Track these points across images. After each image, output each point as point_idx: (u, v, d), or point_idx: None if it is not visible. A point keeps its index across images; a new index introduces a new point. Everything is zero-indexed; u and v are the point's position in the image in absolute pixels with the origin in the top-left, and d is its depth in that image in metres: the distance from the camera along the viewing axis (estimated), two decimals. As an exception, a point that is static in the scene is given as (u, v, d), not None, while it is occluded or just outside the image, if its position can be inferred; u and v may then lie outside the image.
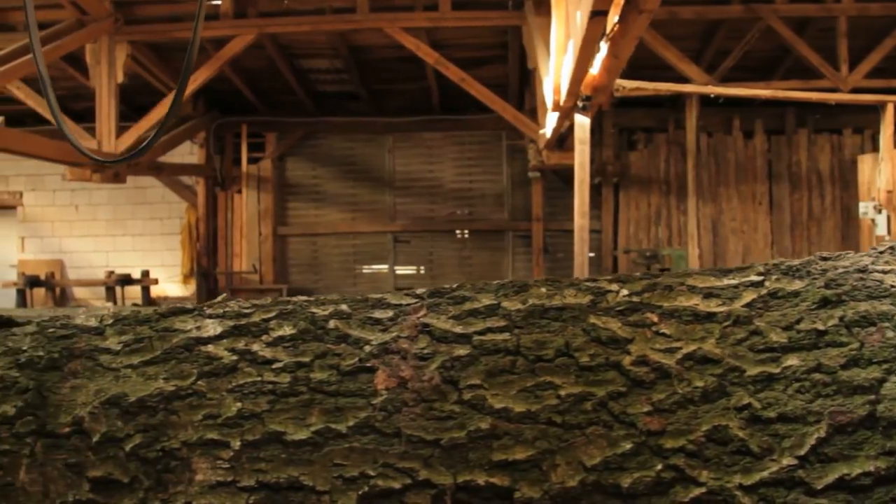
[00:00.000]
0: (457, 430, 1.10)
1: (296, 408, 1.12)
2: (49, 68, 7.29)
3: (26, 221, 10.35)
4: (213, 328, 1.20)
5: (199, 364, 1.16)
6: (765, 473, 1.08)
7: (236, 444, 1.11)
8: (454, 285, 1.25)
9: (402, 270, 10.05)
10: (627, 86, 5.37)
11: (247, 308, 1.23)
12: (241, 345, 1.17)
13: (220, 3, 7.56)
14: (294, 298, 1.24)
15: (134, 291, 9.69)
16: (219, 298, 1.27)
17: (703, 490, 1.09)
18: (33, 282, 9.57)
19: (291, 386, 1.13)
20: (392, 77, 9.05)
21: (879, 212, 6.04)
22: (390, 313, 1.19)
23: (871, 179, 6.41)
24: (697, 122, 8.92)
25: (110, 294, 9.60)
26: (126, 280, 9.47)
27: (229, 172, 10.09)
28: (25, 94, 7.88)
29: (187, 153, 9.80)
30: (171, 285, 10.07)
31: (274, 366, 1.15)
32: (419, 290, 1.23)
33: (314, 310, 1.21)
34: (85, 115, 8.43)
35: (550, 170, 9.02)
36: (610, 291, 1.21)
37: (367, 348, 1.15)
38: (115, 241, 10.23)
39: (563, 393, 1.11)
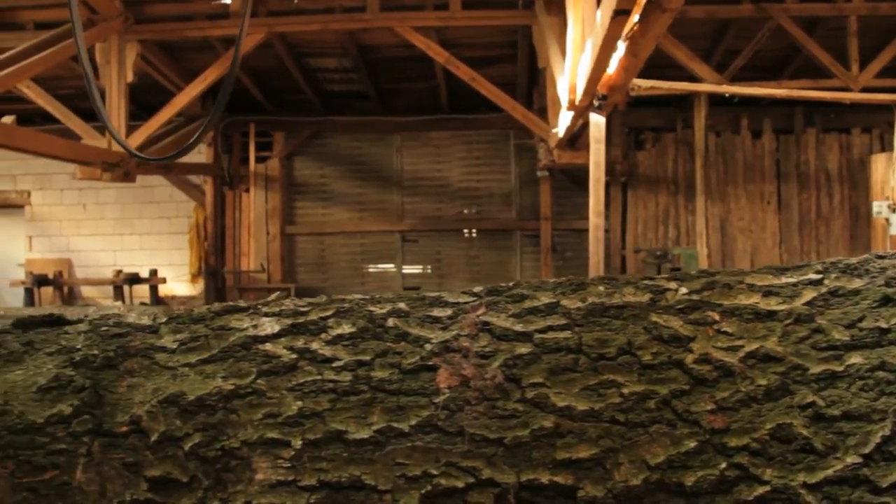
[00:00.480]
0: (520, 428, 1.10)
1: (357, 406, 1.12)
2: (57, 67, 7.30)
3: (34, 220, 10.34)
4: (270, 326, 1.19)
5: (258, 362, 1.16)
6: (829, 471, 1.08)
7: (297, 443, 1.11)
8: (510, 283, 1.24)
9: (409, 270, 10.04)
10: (643, 85, 5.36)
11: (303, 306, 1.22)
12: (299, 343, 1.17)
13: (229, 1, 7.54)
14: (349, 296, 1.24)
15: (142, 290, 9.68)
16: (272, 297, 1.27)
17: (768, 488, 1.08)
18: (41, 281, 9.57)
19: (352, 384, 1.12)
20: (400, 76, 9.04)
21: (894, 211, 6.02)
22: (449, 311, 1.19)
23: (885, 178, 6.39)
24: (706, 122, 8.92)
25: (118, 293, 9.59)
26: (134, 279, 9.47)
27: (237, 171, 10.08)
28: (35, 94, 7.86)
29: (195, 152, 9.76)
30: (179, 284, 10.06)
31: (334, 364, 1.14)
32: (476, 289, 1.22)
33: (372, 308, 1.20)
34: (93, 115, 8.40)
35: (559, 169, 9.01)
36: (668, 290, 1.20)
37: (428, 346, 1.14)
38: (123, 240, 10.22)
39: (626, 391, 1.11)
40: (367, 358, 1.14)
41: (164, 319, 1.25)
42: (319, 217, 10.07)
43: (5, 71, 6.17)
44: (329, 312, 1.20)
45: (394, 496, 1.10)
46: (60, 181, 10.21)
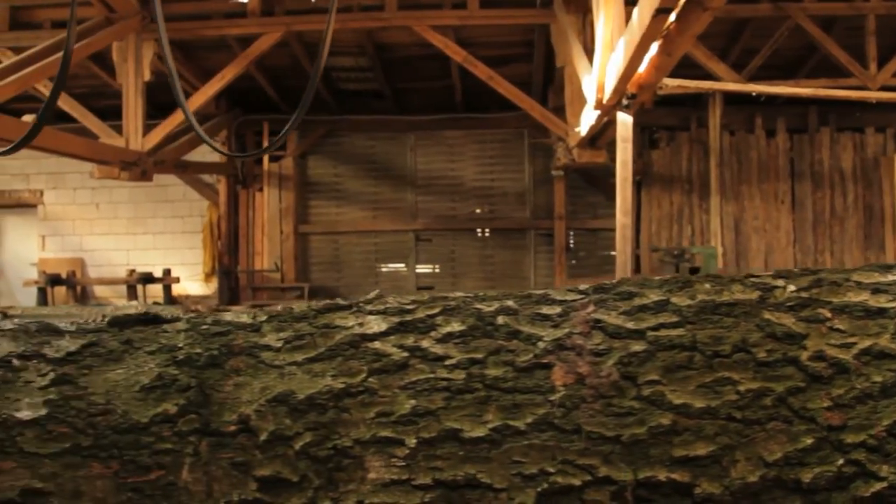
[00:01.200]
0: (637, 425, 1.09)
1: (472, 405, 1.11)
2: (73, 66, 7.29)
3: (47, 220, 10.34)
4: (377, 324, 1.19)
5: (368, 361, 1.15)
6: (947, 469, 1.08)
7: (412, 441, 1.10)
8: (614, 281, 1.23)
9: (423, 269, 10.04)
10: (670, 84, 5.35)
11: (408, 304, 1.22)
12: (409, 341, 1.16)
13: (247, 0, 7.54)
14: (454, 294, 1.23)
15: (155, 290, 9.69)
16: (372, 294, 1.26)
17: (885, 485, 1.08)
18: (55, 280, 9.57)
19: (466, 383, 1.12)
20: (416, 75, 9.03)
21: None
22: (558, 309, 1.18)
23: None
24: (721, 121, 8.92)
25: (132, 292, 9.60)
26: (148, 278, 9.48)
27: (250, 170, 10.08)
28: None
29: (208, 151, 9.77)
30: (193, 283, 10.06)
31: (446, 362, 1.14)
32: (581, 286, 1.22)
33: (479, 306, 1.20)
34: (107, 113, 8.41)
35: (574, 168, 9.00)
36: (776, 287, 1.20)
37: (541, 344, 1.14)
38: (136, 240, 10.22)
39: (742, 388, 1.10)
40: (480, 356, 1.13)
41: (264, 318, 1.25)
42: (333, 216, 10.06)
43: (25, 70, 6.17)
44: (436, 310, 1.20)
45: (509, 494, 1.09)
46: (73, 180, 10.21)
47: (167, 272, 9.52)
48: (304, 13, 7.57)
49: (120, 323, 1.29)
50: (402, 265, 10.04)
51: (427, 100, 9.66)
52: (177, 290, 9.76)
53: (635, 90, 4.41)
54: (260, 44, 7.57)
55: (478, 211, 9.97)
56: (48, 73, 6.45)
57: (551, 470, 1.09)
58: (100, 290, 10.24)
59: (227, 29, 7.66)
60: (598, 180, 9.66)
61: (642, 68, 4.10)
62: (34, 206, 10.36)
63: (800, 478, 1.08)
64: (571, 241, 9.74)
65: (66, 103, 7.76)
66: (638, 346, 1.13)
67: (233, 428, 1.15)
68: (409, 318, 1.19)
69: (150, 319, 1.29)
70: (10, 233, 10.51)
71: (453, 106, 9.77)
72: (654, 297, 1.18)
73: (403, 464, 1.10)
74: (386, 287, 9.93)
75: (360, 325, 1.19)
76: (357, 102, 9.92)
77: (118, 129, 7.55)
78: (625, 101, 4.48)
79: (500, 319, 1.17)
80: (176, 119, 7.69)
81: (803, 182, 9.46)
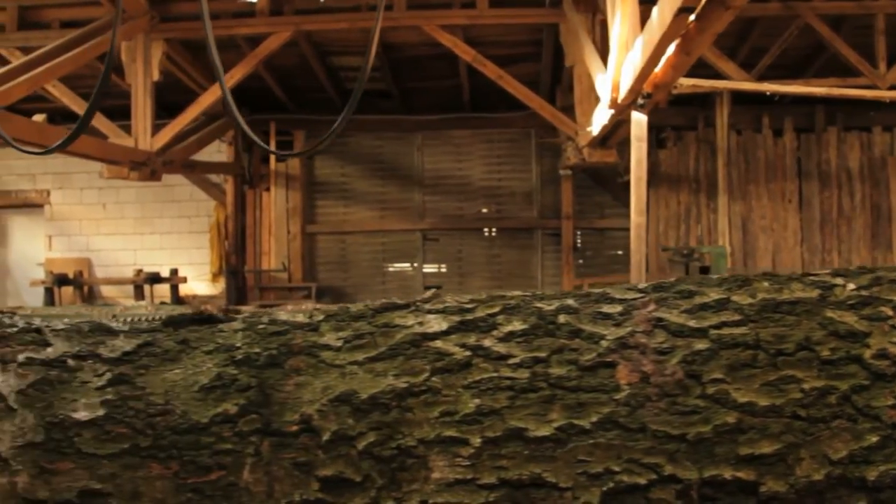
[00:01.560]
0: (702, 424, 1.09)
1: (536, 404, 1.11)
2: (80, 66, 7.28)
3: (53, 220, 10.34)
4: (437, 324, 1.19)
5: (430, 360, 1.15)
6: None
7: (476, 440, 1.10)
8: (672, 279, 1.23)
9: (430, 268, 10.04)
10: (685, 83, 5.35)
11: (467, 303, 1.22)
12: (471, 340, 1.16)
13: (255, 0, 7.53)
14: (510, 293, 1.23)
15: (162, 290, 9.68)
16: (428, 293, 1.26)
17: (950, 484, 1.08)
18: (62, 280, 9.57)
19: (530, 382, 1.12)
20: (423, 75, 9.03)
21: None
22: (618, 308, 1.18)
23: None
24: (728, 120, 8.92)
25: (139, 292, 9.60)
26: (155, 278, 9.48)
27: (257, 170, 10.08)
28: (61, 92, 7.87)
29: (215, 151, 9.79)
30: (200, 283, 10.06)
31: (510, 361, 1.14)
32: (640, 285, 1.22)
33: (539, 305, 1.20)
34: (113, 113, 8.39)
35: (582, 168, 9.01)
36: (836, 285, 1.20)
37: (604, 343, 1.14)
38: (143, 240, 10.22)
39: (806, 386, 1.10)
40: (543, 355, 1.13)
41: (321, 317, 1.25)
42: (340, 216, 10.06)
43: (36, 70, 6.16)
44: (496, 309, 1.20)
45: (574, 493, 1.09)
46: (80, 180, 10.21)
47: (174, 272, 9.52)
48: (313, 13, 7.57)
49: (174, 323, 1.29)
50: (410, 265, 10.04)
51: (434, 99, 9.65)
52: (184, 290, 9.76)
53: (651, 89, 4.40)
54: (269, 43, 7.56)
55: (484, 210, 9.97)
56: (59, 73, 6.46)
57: (617, 469, 1.09)
58: (107, 290, 10.23)
59: (236, 28, 7.65)
60: (605, 180, 9.66)
61: (658, 67, 4.10)
62: (41, 206, 10.36)
63: (865, 476, 1.08)
64: (579, 241, 9.74)
65: (74, 103, 7.76)
66: (701, 345, 1.12)
67: (295, 428, 1.15)
68: (469, 317, 1.19)
69: (204, 319, 1.29)
70: (17, 233, 10.51)
71: (460, 105, 9.76)
72: (714, 295, 1.18)
73: (468, 463, 1.10)
74: (393, 287, 9.93)
75: (420, 324, 1.19)
76: (363, 102, 9.84)
77: (126, 129, 7.55)
78: (640, 101, 4.48)
79: (562, 318, 1.17)
80: (186, 118, 7.70)
81: (811, 181, 9.46)
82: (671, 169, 9.57)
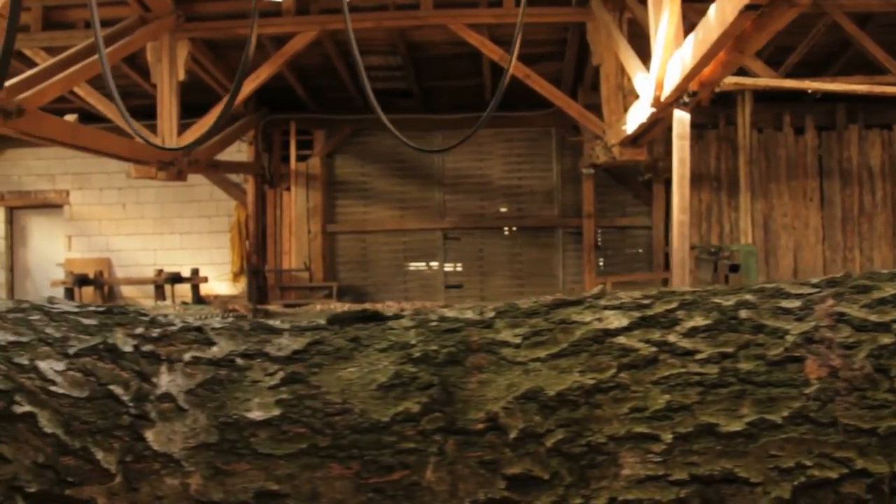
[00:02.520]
0: (892, 418, 1.09)
1: (727, 399, 1.11)
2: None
3: (73, 220, 10.34)
4: (616, 320, 1.19)
5: (615, 356, 1.15)
6: None
7: (667, 436, 1.10)
8: (841, 274, 1.24)
9: (451, 268, 10.04)
10: (728, 81, 5.36)
11: (643, 300, 1.22)
12: (655, 336, 1.16)
13: (281, 0, 7.53)
14: (684, 289, 1.23)
15: (183, 289, 9.68)
16: (596, 289, 1.26)
17: None
18: (82, 280, 9.57)
19: (720, 377, 1.12)
20: (446, 74, 9.03)
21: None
22: (797, 303, 1.18)
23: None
24: (750, 118, 8.92)
25: (159, 292, 9.60)
26: (176, 278, 9.47)
27: (277, 170, 10.08)
28: (86, 92, 7.87)
29: (235, 151, 9.79)
30: (220, 283, 10.06)
31: (696, 357, 1.14)
32: (813, 280, 1.22)
33: (717, 300, 1.20)
34: (135, 114, 8.37)
35: (603, 166, 9.02)
36: None
37: (789, 338, 1.14)
38: (163, 240, 10.22)
39: None
40: (730, 350, 1.13)
41: (493, 314, 1.25)
42: (361, 215, 10.07)
43: (69, 70, 6.16)
44: (673, 305, 1.20)
45: (765, 488, 1.09)
46: (99, 180, 10.21)
47: (195, 272, 9.52)
48: (338, 12, 7.55)
49: (340, 320, 1.29)
50: (430, 264, 10.04)
51: (455, 98, 9.65)
52: (204, 289, 9.76)
53: (697, 87, 4.41)
54: (294, 43, 7.56)
55: (503, 209, 9.96)
56: (91, 73, 6.45)
57: (808, 463, 1.09)
58: (127, 291, 10.24)
59: (262, 28, 7.65)
60: (626, 178, 9.67)
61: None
62: (60, 206, 10.36)
63: None
64: (599, 240, 9.74)
65: (100, 103, 7.76)
66: (886, 339, 1.12)
67: (480, 426, 1.15)
68: (648, 312, 1.19)
69: (369, 317, 1.29)
70: (37, 233, 10.51)
71: (481, 104, 9.70)
72: (890, 290, 1.18)
73: (659, 459, 1.10)
74: (414, 286, 9.93)
75: (599, 320, 1.19)
76: (384, 101, 9.85)
77: (150, 130, 7.55)
78: (686, 99, 4.48)
79: (743, 313, 1.17)
80: (212, 118, 7.68)
81: (832, 179, 9.47)
82: (693, 167, 9.51)
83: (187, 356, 1.26)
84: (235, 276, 10.04)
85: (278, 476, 1.18)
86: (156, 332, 1.30)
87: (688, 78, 4.14)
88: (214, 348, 1.28)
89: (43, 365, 1.24)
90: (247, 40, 4.87)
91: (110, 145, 6.63)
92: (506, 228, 9.93)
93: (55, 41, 7.68)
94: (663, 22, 4.33)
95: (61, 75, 6.03)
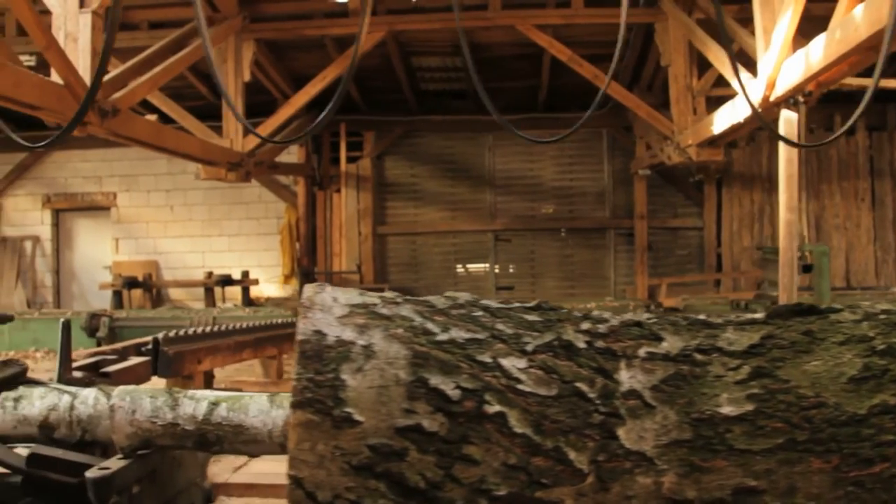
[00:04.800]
0: None
1: None
2: (177, 69, 7.25)
3: (120, 222, 10.29)
4: None
5: None
6: None
7: None
8: None
9: (502, 269, 10.02)
10: (853, 83, 5.35)
11: None
12: None
13: (346, 0, 7.50)
14: None
15: (233, 292, 9.64)
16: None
17: None
18: (131, 283, 9.52)
19: None
20: (505, 75, 9.02)
21: None
22: None
23: None
24: (803, 119, 8.91)
25: (209, 295, 9.55)
26: (227, 280, 9.42)
27: (327, 171, 10.05)
28: (151, 95, 7.81)
29: (285, 152, 9.75)
30: (270, 285, 10.01)
31: None
32: None
33: None
34: (207, 114, 8.34)
35: (655, 168, 9.03)
36: None
37: None
38: (211, 242, 10.18)
39: None
40: None
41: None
42: (411, 217, 10.04)
43: (152, 71, 6.13)
44: None
45: None
46: (147, 183, 10.17)
47: (245, 274, 9.48)
48: (405, 13, 7.55)
49: (779, 314, 1.28)
50: (482, 265, 10.03)
51: (507, 100, 9.64)
52: (254, 292, 9.71)
53: (813, 88, 4.40)
54: (362, 43, 7.52)
55: (547, 210, 9.93)
56: (172, 73, 6.42)
57: None
58: (175, 293, 10.18)
59: (329, 29, 7.64)
60: (676, 179, 9.68)
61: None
62: (107, 208, 10.30)
63: None
64: (650, 241, 9.73)
65: (164, 104, 7.71)
66: None
67: None
68: None
69: (805, 311, 1.28)
70: (84, 235, 10.45)
71: (533, 106, 9.76)
72: None
73: None
74: (465, 287, 9.90)
75: None
76: (435, 102, 9.89)
77: (219, 130, 7.53)
78: (800, 99, 4.48)
79: None
80: (280, 118, 7.68)
81: (883, 180, 9.49)
82: (744, 168, 9.60)
83: (641, 352, 1.25)
84: (286, 279, 10.00)
85: (756, 472, 1.17)
86: (602, 328, 1.28)
87: (811, 78, 4.14)
88: (664, 343, 1.26)
89: (506, 363, 1.23)
90: (355, 43, 4.83)
91: (187, 146, 6.60)
92: (558, 230, 9.90)
93: (120, 42, 7.60)
94: (783, 23, 4.33)
95: (148, 75, 5.99)
